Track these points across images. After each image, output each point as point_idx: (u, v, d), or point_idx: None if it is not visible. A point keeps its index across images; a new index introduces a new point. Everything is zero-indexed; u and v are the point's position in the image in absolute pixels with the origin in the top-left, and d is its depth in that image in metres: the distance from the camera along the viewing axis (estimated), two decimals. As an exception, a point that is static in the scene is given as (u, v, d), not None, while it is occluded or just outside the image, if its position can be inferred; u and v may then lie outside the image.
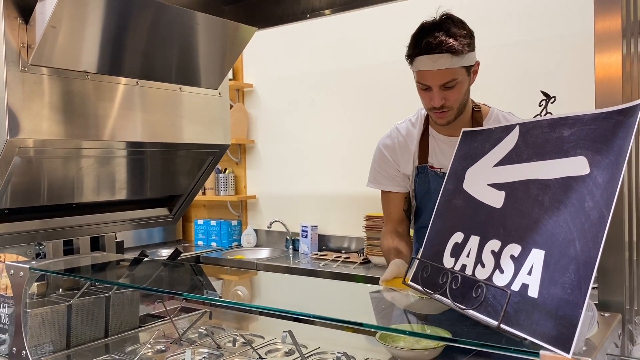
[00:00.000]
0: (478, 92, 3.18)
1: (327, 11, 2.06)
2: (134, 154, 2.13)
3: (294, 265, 3.33)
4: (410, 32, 1.65)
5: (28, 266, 1.56)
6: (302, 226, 3.70)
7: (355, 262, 3.33)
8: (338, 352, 1.47)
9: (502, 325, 0.85)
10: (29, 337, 1.60)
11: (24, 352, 1.55)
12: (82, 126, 1.80)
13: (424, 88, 1.58)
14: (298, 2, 2.10)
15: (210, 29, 1.95)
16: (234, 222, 3.91)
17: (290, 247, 3.66)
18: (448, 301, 0.99)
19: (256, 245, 3.83)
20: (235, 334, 1.78)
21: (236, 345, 1.72)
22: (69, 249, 2.10)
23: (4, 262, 1.65)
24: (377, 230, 3.24)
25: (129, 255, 2.18)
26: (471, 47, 1.56)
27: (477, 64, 1.63)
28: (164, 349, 1.74)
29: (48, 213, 2.00)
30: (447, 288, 1.00)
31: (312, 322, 1.55)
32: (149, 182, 2.30)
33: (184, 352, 1.60)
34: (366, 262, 3.34)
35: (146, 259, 2.05)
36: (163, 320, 2.03)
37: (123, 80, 1.86)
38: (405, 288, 1.41)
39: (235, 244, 3.90)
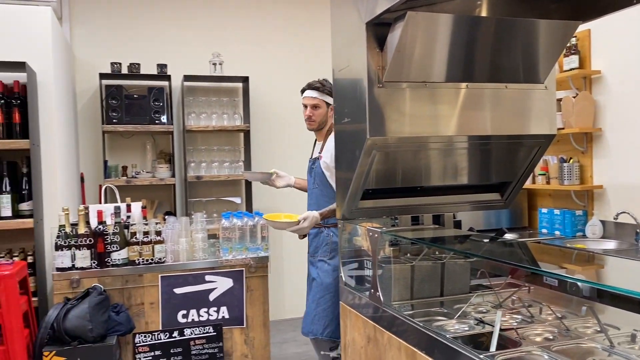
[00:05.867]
0: None
1: (660, -7, 1.98)
2: (469, 146, 2.49)
3: (644, 259, 3.12)
4: None
5: (380, 230, 2.11)
6: (658, 219, 3.40)
7: None
8: None
9: None
10: (382, 286, 2.14)
11: (377, 293, 2.10)
12: (424, 125, 2.26)
13: (305, 106, 3.03)
14: (626, -11, 2.07)
15: (536, 31, 2.14)
16: (579, 212, 3.85)
17: (642, 241, 3.41)
18: None
19: (602, 237, 3.69)
20: (550, 309, 1.95)
21: (545, 316, 1.90)
22: (415, 224, 2.62)
23: (365, 227, 2.24)
24: None
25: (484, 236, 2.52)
26: (331, 95, 2.92)
27: (332, 108, 2.91)
28: (484, 311, 2.06)
29: (400, 194, 2.55)
30: None
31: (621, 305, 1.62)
32: (483, 170, 2.62)
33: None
34: None
35: (473, 234, 2.38)
36: (491, 291, 2.33)
37: (455, 85, 2.24)
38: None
39: (579, 234, 3.84)
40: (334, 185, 2.85)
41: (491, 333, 1.68)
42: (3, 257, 2.92)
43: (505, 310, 2.02)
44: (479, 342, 1.72)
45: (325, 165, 2.94)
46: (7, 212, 2.91)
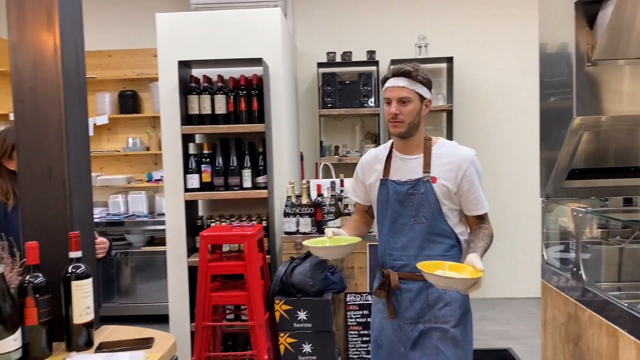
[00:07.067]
0: None
1: None
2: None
3: None
4: None
5: (585, 210, 2.11)
6: None
7: None
8: None
9: None
10: (585, 266, 2.14)
11: (580, 272, 2.12)
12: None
13: (387, 102, 2.04)
14: None
15: None
16: None
17: None
18: None
19: None
20: None
21: None
22: (627, 205, 2.51)
23: (570, 206, 2.25)
24: None
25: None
26: (425, 84, 2.01)
27: (430, 102, 2.05)
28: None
29: (611, 174, 2.48)
30: None
31: None
32: None
33: None
34: None
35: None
36: None
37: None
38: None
39: None
40: (452, 217, 1.99)
41: None
42: (244, 220, 3.54)
43: None
44: (691, 326, 1.67)
45: (445, 190, 1.96)
46: (248, 184, 3.52)
